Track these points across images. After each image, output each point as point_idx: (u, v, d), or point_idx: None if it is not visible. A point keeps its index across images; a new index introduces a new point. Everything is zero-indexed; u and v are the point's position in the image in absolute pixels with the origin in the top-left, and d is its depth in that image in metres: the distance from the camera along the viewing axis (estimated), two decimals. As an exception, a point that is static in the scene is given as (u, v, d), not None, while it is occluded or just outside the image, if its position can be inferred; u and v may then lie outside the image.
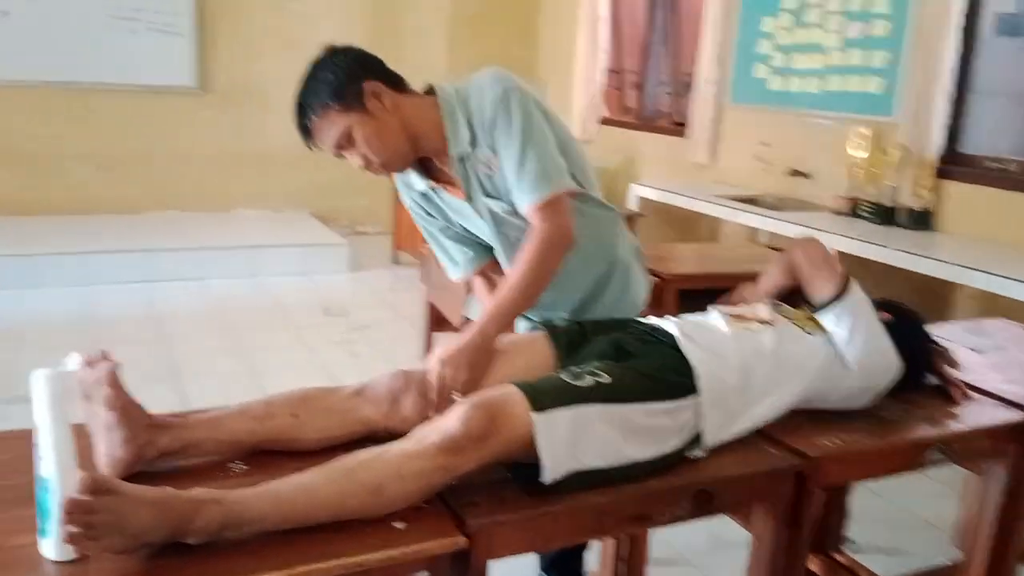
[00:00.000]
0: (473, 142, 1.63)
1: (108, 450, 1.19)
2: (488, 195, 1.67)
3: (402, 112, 1.59)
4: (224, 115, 6.02)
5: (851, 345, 1.57)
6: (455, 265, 1.86)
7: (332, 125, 1.55)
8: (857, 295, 1.61)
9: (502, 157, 1.60)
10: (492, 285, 1.84)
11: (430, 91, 1.67)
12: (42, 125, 5.52)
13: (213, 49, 5.88)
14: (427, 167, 1.72)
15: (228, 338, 4.12)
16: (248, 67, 5.99)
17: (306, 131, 1.58)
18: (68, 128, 5.60)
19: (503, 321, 1.54)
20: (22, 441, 1.15)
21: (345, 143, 1.57)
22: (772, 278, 1.77)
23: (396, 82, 1.62)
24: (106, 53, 5.55)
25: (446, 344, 1.47)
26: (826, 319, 1.60)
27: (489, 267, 1.83)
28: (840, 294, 1.59)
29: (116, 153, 5.77)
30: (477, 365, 1.45)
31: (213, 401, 3.33)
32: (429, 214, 1.81)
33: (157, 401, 3.28)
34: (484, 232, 1.76)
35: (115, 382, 1.19)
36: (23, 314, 4.25)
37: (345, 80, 1.54)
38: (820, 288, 1.62)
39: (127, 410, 1.19)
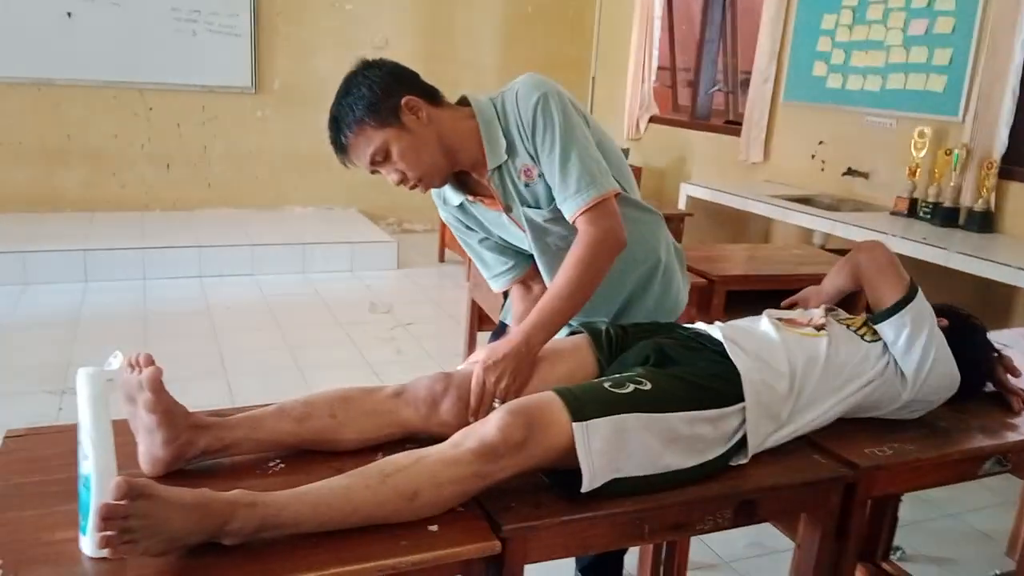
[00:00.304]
0: (511, 150, 1.60)
1: (148, 450, 1.21)
2: (527, 204, 1.64)
3: (439, 125, 1.56)
4: (278, 114, 6.10)
5: (909, 357, 1.51)
6: (495, 276, 1.84)
7: (368, 141, 1.53)
8: (921, 304, 1.54)
9: (543, 163, 1.57)
10: (528, 291, 1.83)
11: (463, 102, 1.64)
12: (104, 124, 5.67)
13: (269, 50, 5.97)
14: (463, 181, 1.70)
15: (276, 333, 4.18)
16: (302, 67, 6.07)
17: (341, 147, 1.56)
18: (128, 127, 5.74)
19: (550, 329, 1.50)
20: (71, 435, 1.16)
21: (381, 159, 1.55)
22: (836, 281, 1.73)
23: (432, 95, 1.59)
24: (166, 54, 5.67)
25: (491, 349, 1.44)
26: (886, 327, 1.55)
27: (529, 275, 1.81)
28: (903, 302, 1.53)
29: (174, 152, 5.90)
30: (520, 373, 1.42)
31: (259, 395, 3.39)
32: (468, 227, 1.80)
33: (205, 394, 3.33)
34: (522, 242, 1.75)
35: (158, 387, 1.20)
36: (81, 307, 4.36)
37: (381, 95, 1.51)
38: (883, 294, 1.57)
39: (168, 413, 1.20)
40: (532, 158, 1.58)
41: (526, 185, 1.62)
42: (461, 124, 1.59)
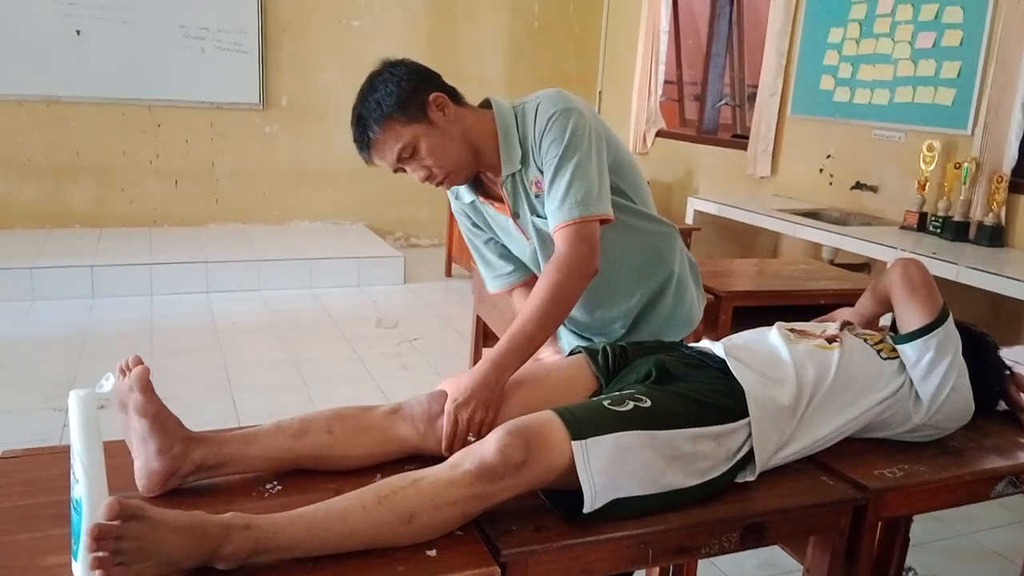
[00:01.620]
0: (524, 160, 1.60)
1: (143, 463, 1.19)
2: (537, 214, 1.64)
3: (463, 124, 1.57)
4: (286, 130, 6.13)
5: (927, 381, 1.47)
6: (496, 278, 1.86)
7: (396, 137, 1.52)
8: (949, 330, 1.49)
9: (545, 173, 1.57)
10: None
11: (486, 104, 1.65)
12: (112, 140, 5.70)
13: (276, 66, 6.00)
14: (477, 181, 1.71)
15: (281, 348, 4.17)
16: (309, 84, 6.09)
17: (365, 145, 1.55)
18: (136, 143, 5.77)
19: (522, 356, 1.44)
20: (67, 456, 1.14)
21: (408, 155, 1.54)
22: (869, 302, 1.69)
23: (454, 94, 1.60)
24: (175, 71, 5.70)
25: (458, 383, 1.38)
26: (908, 348, 1.50)
27: (530, 280, 1.81)
28: (933, 325, 1.48)
29: (181, 168, 5.92)
30: (492, 403, 1.37)
31: (264, 411, 3.37)
32: (476, 225, 1.81)
33: (210, 410, 3.31)
34: (524, 252, 1.74)
35: (146, 387, 1.18)
36: (88, 323, 4.37)
37: (408, 91, 1.52)
38: (913, 313, 1.51)
39: (160, 417, 1.19)
40: (541, 171, 1.58)
41: (536, 196, 1.62)
42: (483, 126, 1.60)
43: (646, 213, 1.74)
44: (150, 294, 4.88)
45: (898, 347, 1.52)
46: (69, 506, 1.05)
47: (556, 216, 1.54)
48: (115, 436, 1.22)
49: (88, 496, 1.00)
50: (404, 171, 1.59)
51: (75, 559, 1.01)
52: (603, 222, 1.56)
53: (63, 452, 1.23)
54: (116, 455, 1.20)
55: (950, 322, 1.50)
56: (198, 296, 4.94)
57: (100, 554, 0.94)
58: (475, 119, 1.60)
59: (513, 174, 1.62)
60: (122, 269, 4.86)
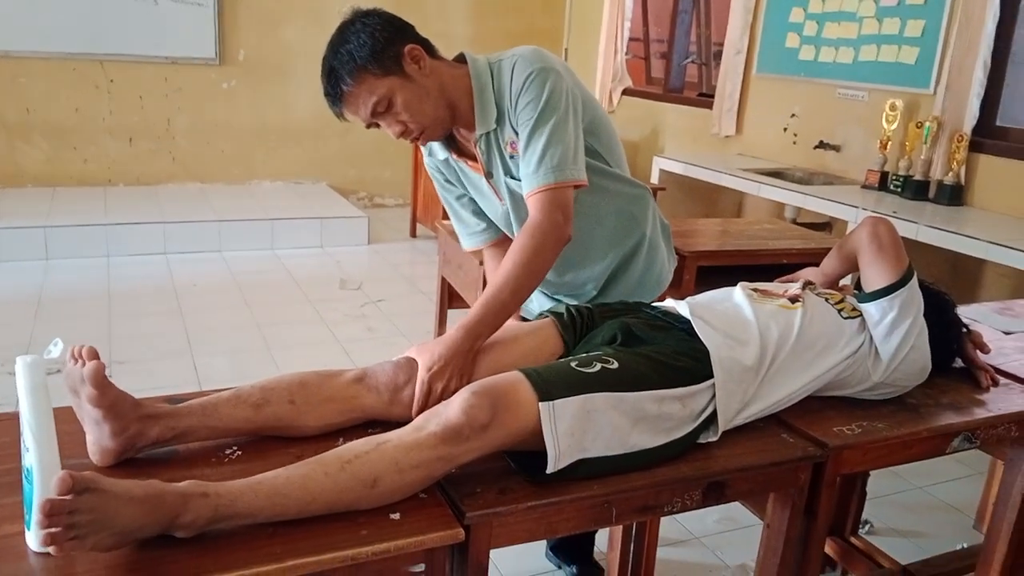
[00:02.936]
0: (500, 120, 1.57)
1: (97, 440, 1.15)
2: (511, 175, 1.62)
3: (439, 78, 1.53)
4: (244, 86, 5.98)
5: (888, 341, 1.49)
6: (470, 235, 1.84)
7: (370, 90, 1.47)
8: (913, 291, 1.50)
9: (520, 135, 1.54)
10: (501, 255, 1.79)
11: (461, 60, 1.60)
12: (64, 97, 5.52)
13: (233, 20, 5.82)
14: (450, 138, 1.67)
15: (243, 311, 4.11)
16: (268, 38, 5.94)
17: (338, 99, 1.49)
18: (89, 100, 5.59)
19: (494, 324, 1.42)
20: (16, 423, 1.09)
21: (383, 109, 1.49)
22: (835, 261, 1.69)
23: (429, 47, 1.54)
24: (127, 24, 5.51)
25: (431, 352, 1.35)
26: (872, 307, 1.51)
27: (502, 239, 1.79)
28: (897, 285, 1.49)
29: (137, 125, 5.76)
30: (465, 371, 1.36)
31: (226, 375, 3.33)
32: (448, 181, 1.77)
33: (171, 375, 3.26)
34: (495, 213, 1.72)
35: (101, 382, 1.12)
36: (43, 286, 4.26)
37: (383, 43, 1.46)
38: (878, 272, 1.51)
39: (114, 407, 1.14)
40: (516, 133, 1.55)
41: (511, 157, 1.59)
42: (458, 82, 1.56)
43: (620, 175, 1.72)
44: (106, 255, 4.77)
45: (861, 305, 1.53)
46: (21, 474, 1.02)
47: (531, 181, 1.51)
48: (66, 402, 1.19)
49: (39, 465, 0.98)
50: (377, 126, 1.54)
51: (28, 528, 0.99)
52: (577, 187, 1.54)
53: (13, 419, 1.20)
54: (68, 421, 1.18)
55: (914, 282, 1.51)
56: (156, 257, 4.84)
57: (53, 530, 0.91)
58: (450, 74, 1.56)
59: (487, 133, 1.58)
60: (77, 230, 4.74)
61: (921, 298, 1.52)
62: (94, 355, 1.13)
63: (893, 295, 1.49)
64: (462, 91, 1.56)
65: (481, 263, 2.09)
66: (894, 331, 1.48)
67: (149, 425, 1.17)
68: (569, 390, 1.21)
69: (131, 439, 1.16)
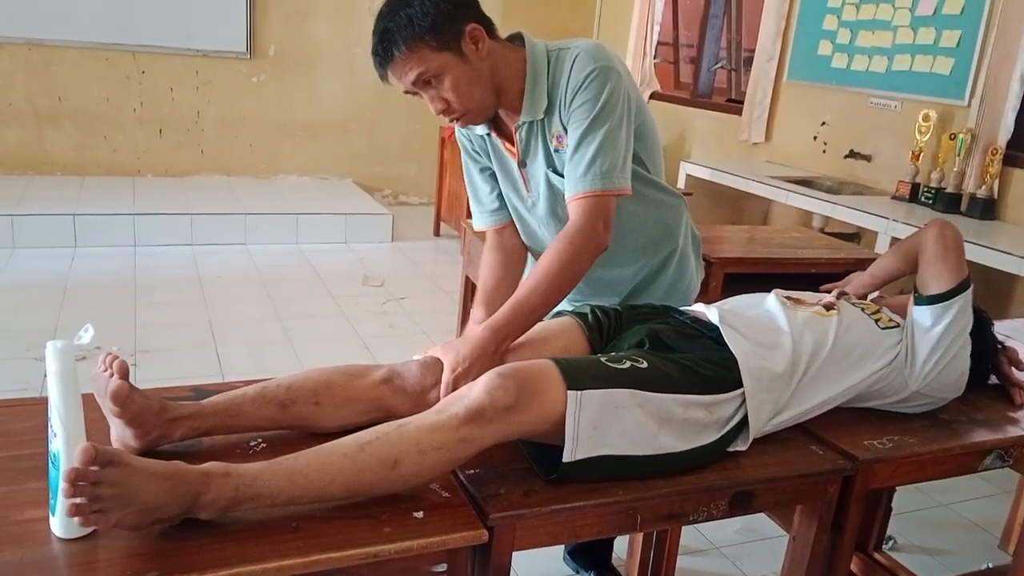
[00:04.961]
0: (549, 110, 1.52)
1: (120, 438, 1.16)
2: (554, 170, 1.57)
3: (493, 61, 1.48)
4: (273, 81, 6.01)
5: (935, 350, 1.45)
6: (483, 213, 1.76)
7: (421, 61, 1.40)
8: (968, 300, 1.48)
9: (569, 134, 1.49)
10: (501, 241, 1.76)
11: (518, 37, 1.55)
12: (96, 86, 5.57)
13: (264, 14, 5.85)
14: (493, 116, 1.61)
15: (267, 304, 4.13)
16: (298, 33, 5.96)
17: (385, 60, 1.42)
18: (120, 90, 5.64)
19: (523, 326, 1.39)
20: (44, 408, 1.10)
21: (429, 82, 1.44)
22: (888, 262, 1.65)
23: (489, 26, 1.48)
24: (160, 16, 5.56)
25: (456, 352, 1.33)
26: (927, 311, 1.47)
27: (507, 227, 1.75)
28: (957, 290, 1.46)
29: (167, 117, 5.80)
30: None
31: (249, 367, 3.34)
32: (476, 152, 1.71)
33: (194, 365, 3.27)
34: (515, 201, 1.69)
35: (123, 401, 1.11)
36: (70, 273, 4.30)
37: (446, 15, 1.39)
38: (938, 274, 1.48)
39: (137, 417, 1.13)
40: (565, 129, 1.51)
41: (556, 151, 1.55)
42: (512, 65, 1.51)
43: (658, 183, 1.69)
44: (133, 244, 4.81)
45: (917, 308, 1.50)
46: (47, 459, 1.02)
47: (576, 185, 1.47)
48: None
49: (66, 450, 0.97)
50: (417, 95, 1.48)
51: (52, 514, 0.99)
52: (619, 195, 1.51)
53: (41, 404, 1.20)
54: (95, 408, 1.17)
55: (970, 292, 1.48)
56: (182, 248, 4.87)
57: (78, 500, 0.91)
58: (504, 57, 1.50)
59: (532, 122, 1.54)
60: (105, 218, 4.78)
61: (971, 310, 1.50)
62: (124, 372, 1.12)
63: (952, 301, 1.46)
64: (513, 75, 1.51)
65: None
66: (942, 339, 1.46)
67: (173, 428, 1.17)
68: (598, 382, 1.19)
69: (154, 441, 1.16)
